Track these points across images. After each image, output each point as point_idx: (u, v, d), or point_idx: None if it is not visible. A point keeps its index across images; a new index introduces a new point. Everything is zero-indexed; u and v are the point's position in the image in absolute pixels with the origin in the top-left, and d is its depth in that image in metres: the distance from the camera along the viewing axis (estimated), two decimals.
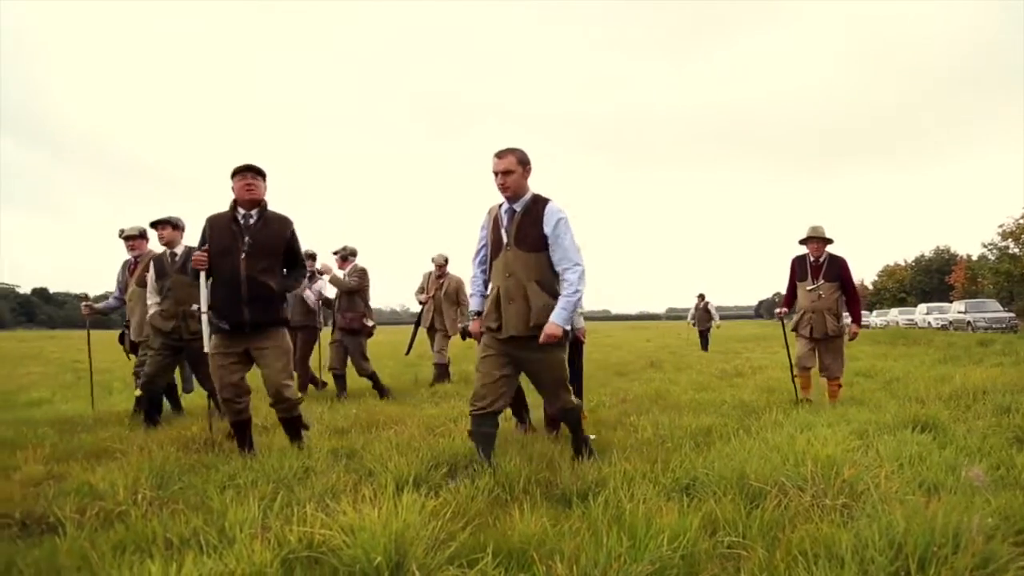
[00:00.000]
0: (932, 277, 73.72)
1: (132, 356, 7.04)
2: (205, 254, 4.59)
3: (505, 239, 4.19)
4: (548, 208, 4.16)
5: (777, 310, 7.91)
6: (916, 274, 76.64)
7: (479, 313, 4.41)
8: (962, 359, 12.60)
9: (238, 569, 2.47)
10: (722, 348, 19.50)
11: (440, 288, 9.87)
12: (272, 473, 3.94)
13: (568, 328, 4.10)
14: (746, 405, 6.85)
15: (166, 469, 4.09)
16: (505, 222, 4.23)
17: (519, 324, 4.10)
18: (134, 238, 6.94)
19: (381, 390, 8.39)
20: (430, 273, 10.01)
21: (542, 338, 4.02)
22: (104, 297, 7.59)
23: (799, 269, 7.26)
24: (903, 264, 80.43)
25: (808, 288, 7.08)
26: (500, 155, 4.12)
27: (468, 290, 9.12)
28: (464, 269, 9.93)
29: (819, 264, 7.06)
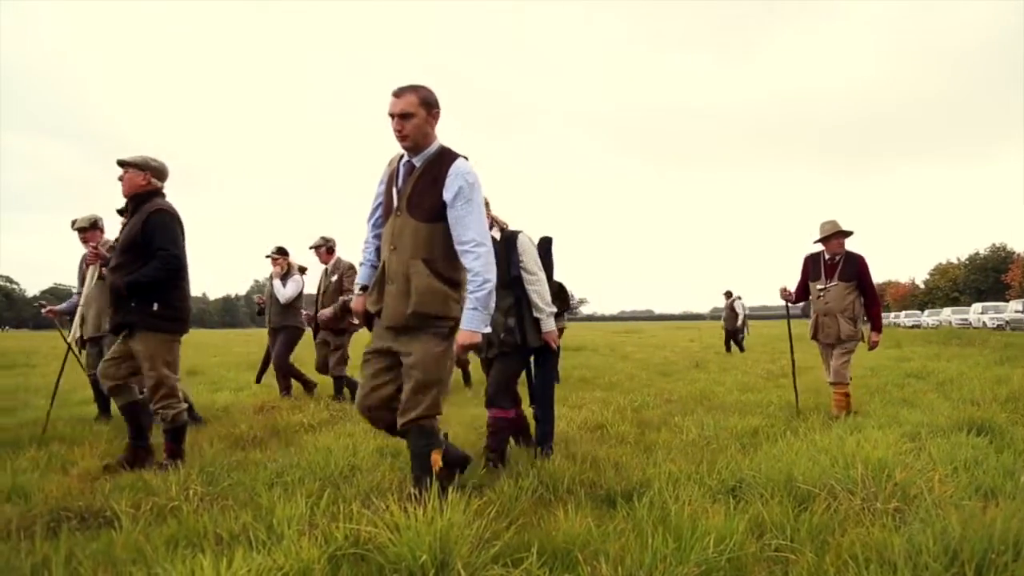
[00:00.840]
0: (987, 276, 71.80)
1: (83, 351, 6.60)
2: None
3: (395, 201, 3.39)
4: (454, 167, 3.29)
5: (783, 288, 6.71)
6: (970, 273, 74.67)
7: (365, 288, 3.61)
8: (1020, 360, 12.23)
9: (286, 565, 2.50)
10: (767, 348, 19.19)
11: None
12: (319, 471, 3.99)
13: (483, 331, 3.27)
14: (792, 406, 6.73)
15: (216, 466, 4.17)
16: (401, 179, 3.40)
17: (395, 311, 3.30)
18: (86, 230, 6.39)
19: (339, 390, 7.91)
20: None
21: (456, 347, 3.28)
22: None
23: (812, 268, 6.55)
24: (956, 262, 78.40)
25: (819, 288, 6.42)
26: (398, 93, 3.28)
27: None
28: None
29: (835, 263, 6.35)
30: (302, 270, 8.39)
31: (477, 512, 2.95)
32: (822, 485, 3.39)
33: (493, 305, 3.27)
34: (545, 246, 4.82)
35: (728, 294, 18.61)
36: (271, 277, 8.33)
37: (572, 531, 2.86)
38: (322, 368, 7.99)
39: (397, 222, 3.35)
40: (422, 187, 3.31)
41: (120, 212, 4.65)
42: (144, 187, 4.49)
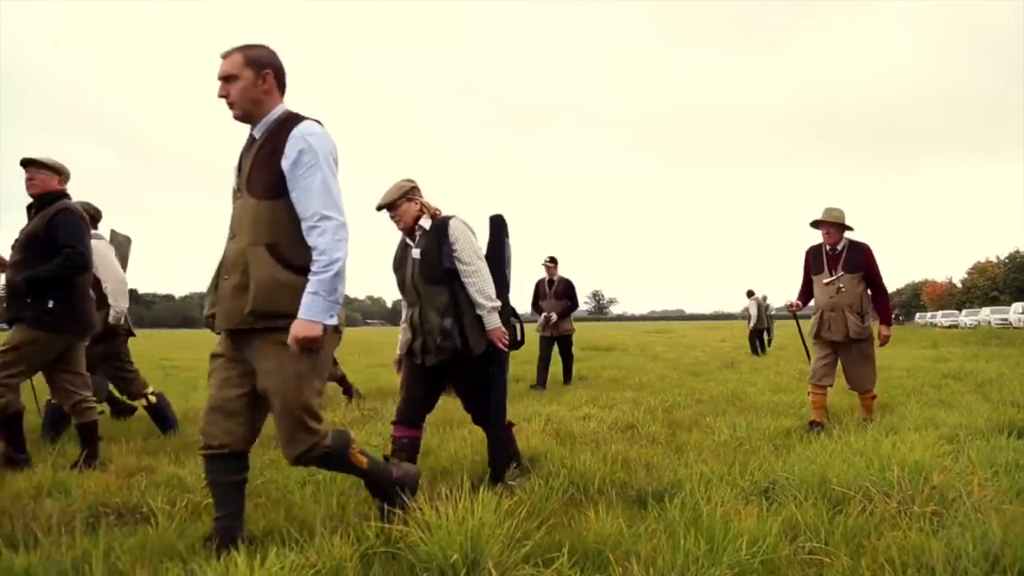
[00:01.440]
0: None
1: None
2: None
3: (235, 182, 2.90)
4: (295, 131, 2.76)
5: (788, 303, 6.33)
6: (1010, 271, 73.01)
7: None
8: None
9: (319, 562, 2.53)
10: (800, 348, 18.91)
11: None
12: None
13: (332, 324, 2.71)
14: (827, 407, 6.64)
15: (249, 464, 4.21)
16: (241, 157, 2.91)
17: (231, 310, 2.74)
18: None
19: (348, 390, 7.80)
20: None
21: (290, 340, 2.63)
22: None
23: (814, 260, 6.03)
24: (995, 261, 76.75)
25: (825, 282, 5.88)
26: (223, 55, 2.83)
27: None
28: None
29: (837, 253, 5.86)
30: None
31: (508, 512, 2.95)
32: (857, 487, 3.34)
33: (342, 291, 2.71)
34: (496, 227, 4.20)
35: (750, 293, 18.09)
36: None
37: (603, 531, 2.85)
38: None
39: (237, 205, 2.85)
40: (263, 160, 2.78)
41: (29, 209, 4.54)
42: (56, 189, 4.48)
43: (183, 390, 8.91)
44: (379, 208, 3.95)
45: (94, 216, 5.52)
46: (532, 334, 9.55)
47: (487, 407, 3.97)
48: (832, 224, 5.79)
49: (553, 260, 9.65)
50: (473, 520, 2.67)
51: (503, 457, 3.96)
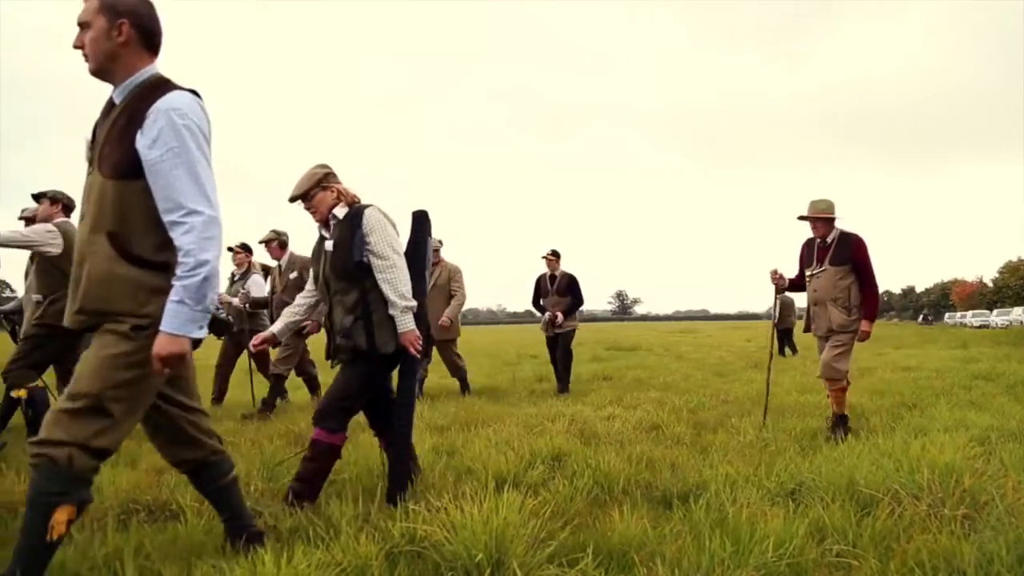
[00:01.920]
0: None
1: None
2: None
3: (87, 152, 2.46)
4: (160, 102, 2.29)
5: (776, 269, 5.94)
6: None
7: None
8: None
9: (344, 560, 2.55)
10: None
11: (431, 278, 8.67)
12: (376, 469, 4.04)
13: (200, 338, 2.31)
14: (854, 408, 6.56)
15: (275, 462, 4.26)
16: (96, 124, 2.47)
17: (70, 307, 2.36)
18: (30, 220, 5.91)
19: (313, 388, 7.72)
20: None
21: (152, 357, 2.23)
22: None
23: (807, 253, 5.87)
24: None
25: (810, 274, 5.75)
26: None
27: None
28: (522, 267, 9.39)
29: (827, 246, 5.64)
30: (265, 269, 7.90)
31: (532, 512, 2.96)
32: (885, 489, 3.31)
33: (212, 298, 2.30)
34: (418, 223, 3.87)
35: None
36: (234, 275, 7.89)
37: (628, 532, 2.85)
38: (297, 371, 7.61)
39: (87, 182, 2.40)
40: (116, 132, 2.32)
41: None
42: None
43: (211, 388, 9.00)
44: (291, 200, 3.67)
45: (68, 205, 5.57)
46: (537, 335, 9.51)
47: (390, 414, 3.70)
48: (818, 218, 5.62)
49: (555, 254, 8.93)
50: (498, 520, 2.68)
51: (403, 473, 3.56)
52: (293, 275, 7.22)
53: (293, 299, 6.63)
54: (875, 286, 5.59)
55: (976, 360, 12.36)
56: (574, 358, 9.21)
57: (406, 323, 3.51)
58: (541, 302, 8.97)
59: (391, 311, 3.50)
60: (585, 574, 2.53)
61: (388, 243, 3.53)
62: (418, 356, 3.58)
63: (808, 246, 5.85)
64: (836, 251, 5.58)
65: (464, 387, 8.54)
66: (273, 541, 2.83)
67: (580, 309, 9.21)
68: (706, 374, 11.29)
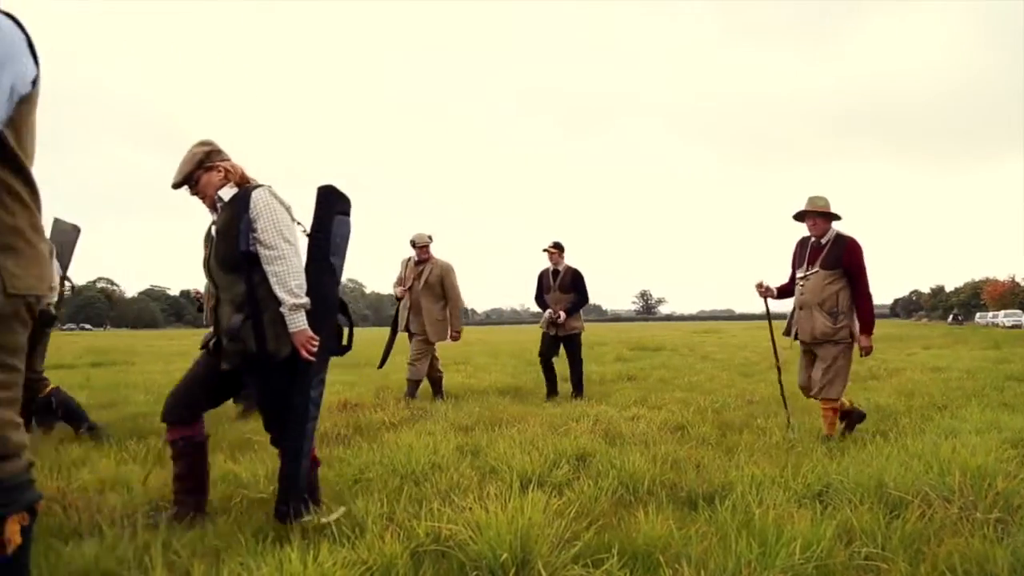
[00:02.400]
0: None
1: None
2: None
3: None
4: None
5: (762, 281, 5.71)
6: None
7: None
8: None
9: (370, 559, 2.57)
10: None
11: (419, 277, 7.76)
12: (400, 468, 4.06)
13: None
14: (882, 409, 6.50)
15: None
16: None
17: None
18: None
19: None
20: (409, 259, 7.95)
21: None
22: None
23: (798, 254, 5.51)
24: None
25: (799, 276, 5.42)
26: None
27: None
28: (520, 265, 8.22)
29: (820, 247, 5.29)
30: None
31: (557, 512, 2.96)
32: (915, 492, 3.26)
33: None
34: (323, 201, 3.27)
35: None
36: None
37: (653, 533, 2.83)
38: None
39: None
40: None
41: None
42: None
43: None
44: (175, 187, 3.26)
45: None
46: (535, 332, 9.45)
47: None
48: (818, 214, 5.27)
49: (557, 246, 8.22)
50: (523, 519, 2.68)
51: (295, 489, 3.11)
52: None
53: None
54: (868, 295, 5.24)
55: (1008, 361, 12.16)
56: (589, 360, 8.94)
57: (296, 322, 3.08)
58: (545, 298, 8.26)
59: (281, 309, 3.08)
60: (610, 575, 2.53)
61: (277, 230, 3.10)
62: (311, 357, 3.11)
63: (801, 246, 5.52)
64: (829, 253, 5.24)
65: (436, 390, 7.99)
66: (300, 539, 2.85)
67: (586, 307, 8.44)
68: (731, 374, 11.22)
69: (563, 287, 8.10)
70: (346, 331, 3.39)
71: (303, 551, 2.49)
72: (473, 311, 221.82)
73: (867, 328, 5.23)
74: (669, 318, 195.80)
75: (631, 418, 6.07)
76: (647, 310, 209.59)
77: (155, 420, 6.06)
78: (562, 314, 7.97)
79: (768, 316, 6.04)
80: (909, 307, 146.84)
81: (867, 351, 5.23)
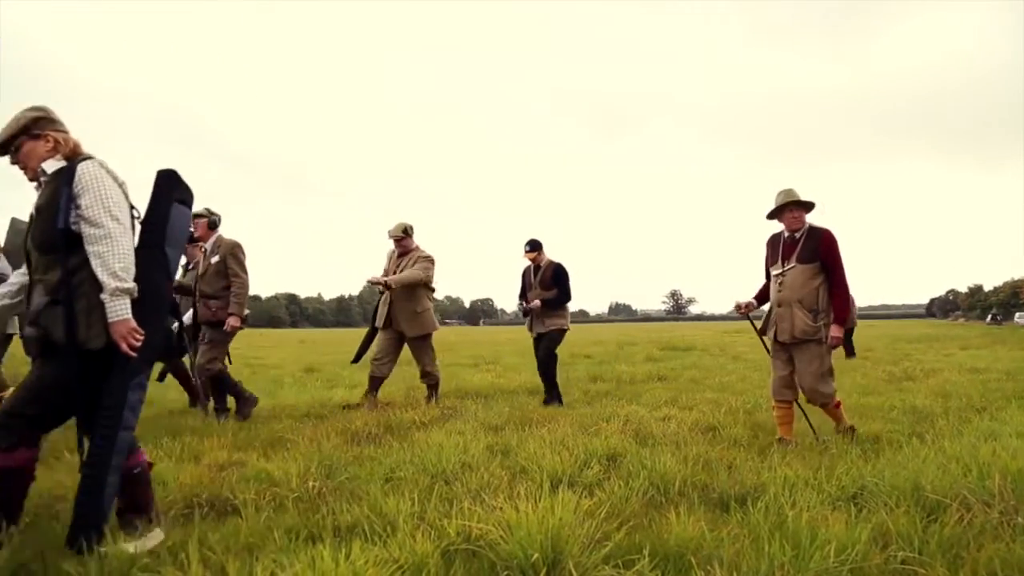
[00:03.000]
0: None
1: None
2: None
3: None
4: None
5: (739, 301, 5.45)
6: None
7: None
8: None
9: (401, 557, 2.58)
10: (889, 349, 18.25)
11: (399, 270, 7.24)
12: (431, 467, 4.08)
13: None
14: (918, 411, 6.38)
15: (333, 460, 4.33)
16: None
17: None
18: None
19: (221, 397, 6.54)
20: (393, 252, 7.50)
21: None
22: None
23: (771, 251, 5.27)
24: None
25: (774, 273, 5.17)
26: None
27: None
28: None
29: (794, 241, 5.07)
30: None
31: (587, 512, 2.94)
32: (953, 495, 3.20)
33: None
34: (162, 185, 3.00)
35: None
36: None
37: (684, 534, 2.81)
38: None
39: None
40: None
41: None
42: None
43: (270, 387, 9.22)
44: None
45: None
46: (591, 334, 9.34)
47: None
48: (798, 204, 5.03)
49: (533, 245, 7.68)
50: (553, 519, 2.68)
51: (93, 507, 2.74)
52: (215, 259, 6.38)
53: (213, 288, 6.30)
54: (845, 286, 5.01)
55: None
56: (619, 359, 8.99)
57: (117, 310, 2.73)
58: (528, 298, 7.71)
59: (102, 295, 2.74)
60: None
61: (104, 207, 2.77)
62: (132, 353, 2.77)
63: (773, 244, 5.28)
64: (805, 246, 5.02)
65: (431, 394, 7.47)
66: (332, 536, 2.88)
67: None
68: (763, 375, 11.08)
69: (544, 283, 7.59)
70: (175, 331, 3.14)
71: (335, 549, 2.51)
72: (503, 311, 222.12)
73: (839, 320, 4.96)
74: (700, 318, 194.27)
75: (662, 418, 6.03)
76: (677, 310, 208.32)
77: (189, 417, 6.18)
78: (536, 302, 7.41)
79: (751, 321, 5.60)
80: (946, 307, 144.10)
81: (836, 343, 4.96)
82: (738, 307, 5.44)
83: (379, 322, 7.25)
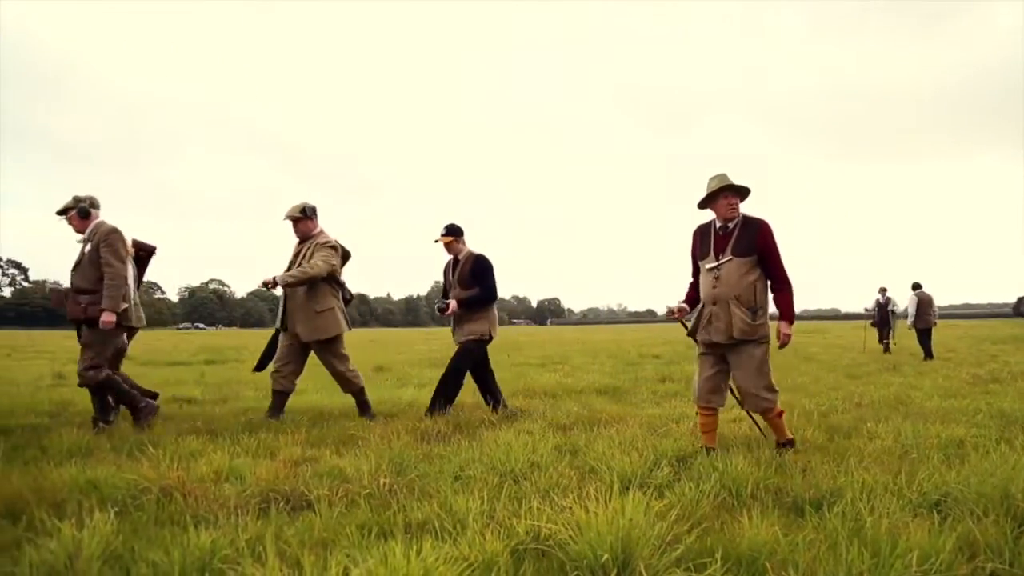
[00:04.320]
0: None
1: None
2: None
3: None
4: None
5: (668, 309, 4.92)
6: None
7: None
8: None
9: (471, 555, 2.60)
10: (973, 350, 17.50)
11: (296, 259, 6.33)
12: (499, 466, 4.10)
13: None
14: (1006, 415, 6.10)
15: (404, 458, 4.39)
16: None
17: None
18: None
19: (106, 408, 5.94)
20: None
21: None
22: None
23: (700, 243, 4.79)
24: None
25: (707, 267, 4.66)
26: None
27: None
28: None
29: (727, 232, 4.62)
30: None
31: (658, 514, 2.91)
32: None
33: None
34: None
35: (882, 291, 18.20)
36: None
37: (758, 539, 2.76)
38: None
39: None
40: None
41: None
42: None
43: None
44: None
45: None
46: (659, 333, 9.15)
47: None
48: (733, 190, 4.59)
49: (451, 230, 6.49)
50: (623, 520, 2.66)
51: None
52: (88, 248, 5.73)
53: (87, 281, 5.56)
54: (787, 280, 4.63)
55: None
56: (686, 360, 8.65)
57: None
58: (449, 295, 6.55)
59: None
60: None
61: None
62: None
63: (701, 235, 4.80)
64: (740, 238, 4.56)
65: (362, 409, 6.46)
66: (403, 533, 2.92)
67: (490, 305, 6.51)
68: (837, 376, 10.79)
69: (462, 280, 6.44)
70: None
71: (406, 546, 2.55)
72: (570, 311, 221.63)
73: (789, 317, 4.63)
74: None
75: (733, 420, 5.93)
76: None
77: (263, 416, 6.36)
78: (451, 303, 6.32)
79: (684, 326, 5.01)
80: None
81: (787, 340, 4.62)
82: (670, 312, 4.92)
83: (278, 322, 6.35)
